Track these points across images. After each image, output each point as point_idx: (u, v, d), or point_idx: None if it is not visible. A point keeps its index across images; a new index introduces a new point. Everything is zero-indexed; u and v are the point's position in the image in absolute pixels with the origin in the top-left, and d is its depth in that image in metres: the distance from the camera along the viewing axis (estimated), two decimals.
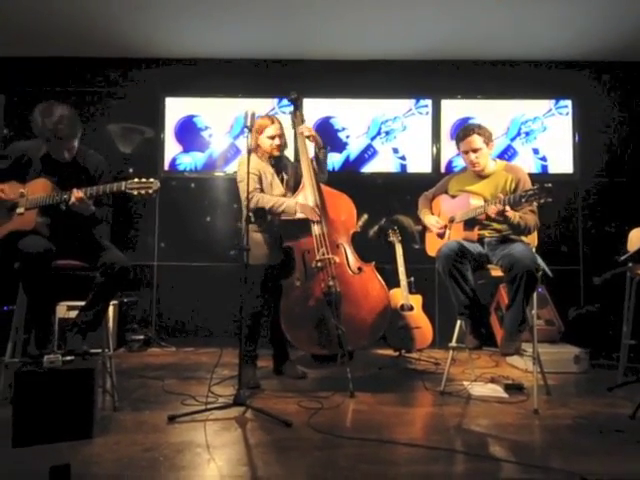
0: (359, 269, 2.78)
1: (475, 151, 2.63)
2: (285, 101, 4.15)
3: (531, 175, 2.67)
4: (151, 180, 2.20)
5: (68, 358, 2.05)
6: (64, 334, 2.28)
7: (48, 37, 3.86)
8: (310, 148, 2.95)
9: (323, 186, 2.90)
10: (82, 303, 2.30)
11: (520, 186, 2.57)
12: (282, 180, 2.91)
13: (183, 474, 1.64)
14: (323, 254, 2.70)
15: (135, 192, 2.19)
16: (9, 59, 4.12)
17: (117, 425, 2.10)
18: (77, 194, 2.18)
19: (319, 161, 2.93)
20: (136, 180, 2.20)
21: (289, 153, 3.09)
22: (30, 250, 2.10)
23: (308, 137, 2.89)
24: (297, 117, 2.98)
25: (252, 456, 1.81)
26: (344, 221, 2.87)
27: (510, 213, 2.44)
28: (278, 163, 2.93)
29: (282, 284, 2.75)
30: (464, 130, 2.69)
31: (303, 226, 2.75)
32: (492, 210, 2.42)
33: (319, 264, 2.69)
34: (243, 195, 2.72)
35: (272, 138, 2.82)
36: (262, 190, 2.80)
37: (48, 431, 1.87)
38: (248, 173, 2.49)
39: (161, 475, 1.63)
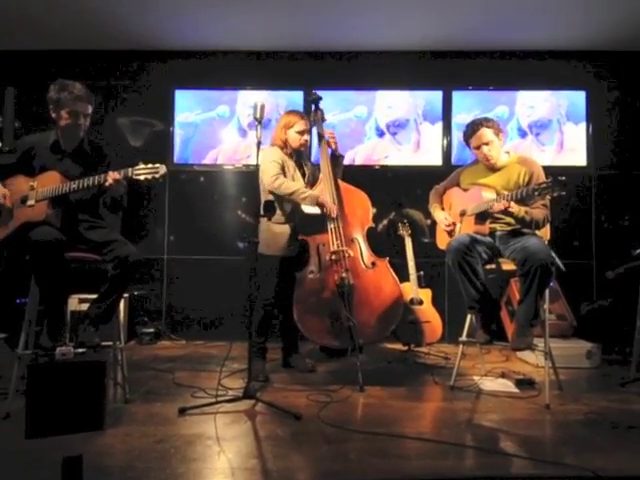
0: (373, 264, 2.78)
1: (487, 144, 2.61)
2: (292, 92, 4.15)
3: (543, 167, 2.64)
4: (157, 165, 2.20)
5: (80, 350, 2.06)
6: (76, 326, 2.30)
7: (58, 30, 3.87)
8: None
9: (340, 182, 2.93)
10: (94, 296, 2.32)
11: (534, 180, 2.54)
12: (303, 175, 2.94)
13: (194, 466, 1.65)
14: (338, 246, 2.71)
15: (142, 177, 2.19)
16: (20, 52, 4.14)
17: (128, 417, 2.12)
18: (113, 175, 2.19)
19: (334, 164, 2.94)
20: (142, 165, 2.20)
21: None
22: (41, 239, 2.11)
23: (328, 141, 2.93)
24: (317, 115, 3.00)
25: (262, 449, 1.81)
26: (359, 216, 2.89)
27: (515, 208, 2.42)
28: (300, 159, 2.97)
29: (296, 276, 2.75)
30: (472, 125, 2.66)
31: (319, 219, 2.77)
32: (496, 208, 2.42)
33: (333, 256, 2.70)
34: (268, 176, 2.75)
35: (301, 133, 2.86)
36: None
37: (60, 423, 1.88)
38: (257, 165, 2.49)
39: (172, 467, 1.64)
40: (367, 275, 2.74)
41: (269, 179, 2.75)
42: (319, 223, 2.78)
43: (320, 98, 3.03)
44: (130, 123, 4.24)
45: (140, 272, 2.32)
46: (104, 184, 2.21)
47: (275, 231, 2.81)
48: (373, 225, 2.99)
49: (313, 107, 3.03)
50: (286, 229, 2.83)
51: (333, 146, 2.96)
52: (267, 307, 2.81)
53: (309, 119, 2.94)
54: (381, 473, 1.62)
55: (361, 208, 2.92)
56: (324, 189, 2.85)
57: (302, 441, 1.87)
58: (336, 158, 2.97)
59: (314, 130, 3.01)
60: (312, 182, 2.96)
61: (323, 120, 3.02)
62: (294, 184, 2.79)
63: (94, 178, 2.23)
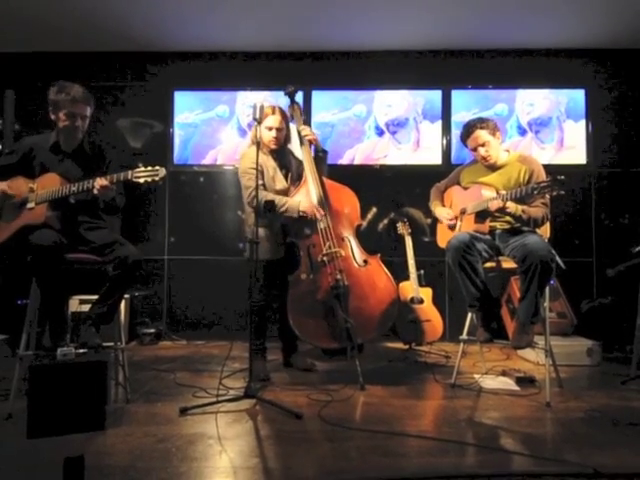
0: (365, 262, 2.77)
1: (483, 145, 2.61)
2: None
3: (543, 166, 2.64)
4: (157, 167, 2.20)
5: (81, 351, 2.07)
6: (77, 327, 2.30)
7: (57, 32, 3.87)
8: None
9: (325, 179, 2.87)
10: (94, 297, 2.33)
11: (534, 178, 2.54)
12: (286, 175, 2.87)
13: (195, 465, 1.65)
14: (329, 247, 2.69)
15: (142, 180, 2.19)
16: (19, 54, 4.15)
17: (129, 417, 2.12)
18: (100, 182, 2.20)
19: (317, 162, 2.87)
20: (142, 168, 2.21)
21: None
22: (41, 242, 2.12)
23: (310, 141, 2.85)
24: (295, 110, 2.94)
25: (263, 448, 1.82)
26: (348, 214, 2.85)
27: (512, 207, 2.42)
28: (282, 157, 2.88)
29: (288, 279, 2.74)
30: (466, 128, 2.66)
31: (307, 221, 2.73)
32: (492, 206, 2.43)
33: (325, 258, 2.68)
34: (245, 191, 2.74)
35: (269, 129, 2.77)
36: (264, 185, 2.76)
37: (62, 423, 1.89)
38: (257, 167, 2.48)
39: (173, 466, 1.64)
40: (360, 273, 2.73)
41: (246, 198, 2.73)
42: (306, 222, 2.73)
43: (296, 91, 2.93)
44: (130, 124, 4.24)
45: (140, 272, 2.31)
46: (92, 191, 2.22)
47: (260, 234, 2.72)
48: (362, 222, 2.96)
49: (289, 101, 2.95)
50: (268, 233, 2.76)
51: (313, 143, 2.86)
52: (260, 310, 2.77)
53: (283, 114, 2.81)
54: (382, 471, 1.63)
55: (349, 205, 2.87)
56: (309, 189, 2.78)
57: (303, 440, 1.88)
58: (318, 155, 2.89)
59: (295, 127, 2.91)
60: (296, 180, 2.87)
61: (301, 114, 2.92)
62: (271, 197, 2.67)
63: (83, 184, 2.23)
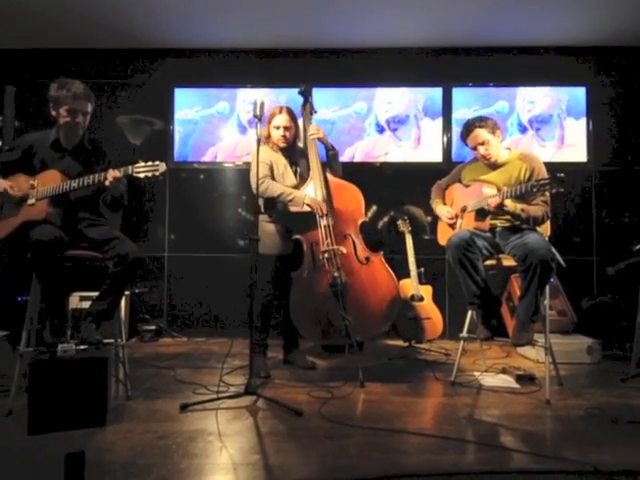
0: (367, 259, 2.77)
1: (483, 144, 2.61)
2: (292, 90, 4.13)
3: (544, 164, 2.63)
4: (157, 162, 2.20)
5: (82, 347, 2.07)
6: (77, 324, 2.31)
7: (58, 28, 3.86)
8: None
9: (330, 177, 2.88)
10: (95, 293, 2.33)
11: (534, 175, 2.53)
12: (295, 173, 2.89)
13: (196, 462, 1.66)
14: (328, 245, 2.70)
15: (142, 175, 2.19)
16: (19, 51, 4.14)
17: (130, 413, 2.13)
18: (113, 173, 2.19)
19: (329, 161, 2.92)
20: (142, 163, 2.21)
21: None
22: (41, 237, 2.11)
23: (319, 139, 2.87)
24: (306, 109, 2.96)
25: (264, 444, 1.82)
26: (351, 211, 2.85)
27: (510, 205, 2.42)
28: (292, 155, 2.91)
29: (291, 276, 2.75)
30: (466, 127, 2.66)
31: (311, 218, 2.74)
32: (491, 203, 2.43)
33: (326, 255, 2.69)
34: (254, 184, 2.74)
35: (277, 128, 2.81)
36: (273, 179, 2.80)
37: (62, 419, 1.88)
38: (258, 163, 2.48)
39: (174, 462, 1.64)
40: (362, 271, 2.73)
41: (255, 185, 2.74)
42: (311, 220, 2.74)
43: (308, 89, 2.96)
44: (130, 121, 4.24)
45: (140, 269, 2.31)
46: (104, 183, 2.21)
47: (267, 230, 2.77)
48: (367, 220, 2.96)
49: (302, 100, 2.97)
50: (278, 228, 2.81)
51: (323, 141, 2.88)
52: (264, 306, 2.78)
53: (291, 113, 2.84)
54: (382, 468, 1.63)
55: (353, 202, 2.86)
56: (315, 186, 2.79)
57: (303, 437, 1.88)
58: (329, 154, 2.90)
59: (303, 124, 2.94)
60: (306, 179, 2.88)
61: (312, 114, 2.95)
62: (279, 187, 2.75)
63: (94, 176, 2.23)
